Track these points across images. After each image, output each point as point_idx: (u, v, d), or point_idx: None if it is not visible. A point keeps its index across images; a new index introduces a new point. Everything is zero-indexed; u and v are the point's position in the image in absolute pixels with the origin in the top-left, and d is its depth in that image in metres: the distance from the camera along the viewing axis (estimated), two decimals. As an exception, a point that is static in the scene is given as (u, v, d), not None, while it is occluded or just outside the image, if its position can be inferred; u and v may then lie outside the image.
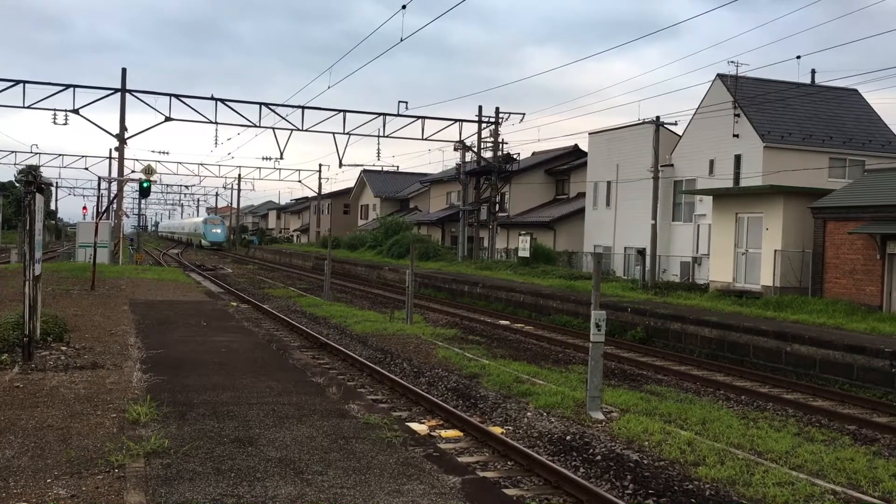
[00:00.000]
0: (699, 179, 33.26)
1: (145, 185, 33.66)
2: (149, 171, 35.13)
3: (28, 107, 34.63)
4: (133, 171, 52.22)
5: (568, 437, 10.06)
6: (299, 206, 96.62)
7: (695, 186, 32.65)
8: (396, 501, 6.35)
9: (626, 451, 9.51)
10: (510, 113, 41.77)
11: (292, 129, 39.05)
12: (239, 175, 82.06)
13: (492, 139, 41.99)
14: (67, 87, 34.85)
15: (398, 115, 38.57)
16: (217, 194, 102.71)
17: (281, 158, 44.85)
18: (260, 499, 6.24)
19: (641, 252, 29.47)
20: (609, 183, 39.36)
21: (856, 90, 35.95)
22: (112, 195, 48.28)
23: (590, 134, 41.91)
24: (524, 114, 41.42)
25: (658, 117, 31.13)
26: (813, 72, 37.26)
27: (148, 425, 8.20)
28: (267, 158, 58.48)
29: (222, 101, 36.82)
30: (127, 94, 36.71)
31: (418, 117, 39.33)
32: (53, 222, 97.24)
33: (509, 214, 47.31)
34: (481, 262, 40.00)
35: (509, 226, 46.26)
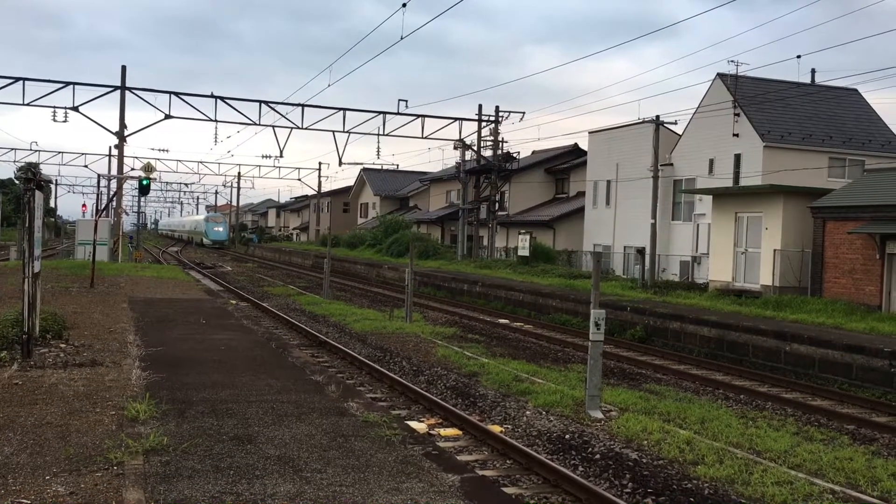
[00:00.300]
0: (699, 179, 33.26)
1: (145, 182, 33.65)
2: (148, 168, 35.13)
3: (28, 104, 34.62)
4: (133, 169, 52.26)
5: (567, 436, 10.06)
6: (299, 205, 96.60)
7: (694, 186, 32.65)
8: (395, 499, 6.35)
9: (625, 449, 9.52)
10: (510, 112, 41.83)
11: (292, 128, 39.09)
12: (238, 173, 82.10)
13: (492, 138, 42.00)
14: (67, 84, 34.83)
15: (398, 113, 38.59)
16: (217, 192, 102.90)
17: (281, 156, 44.88)
18: (259, 496, 6.24)
19: (641, 251, 29.47)
20: (609, 182, 39.36)
21: (856, 90, 35.96)
22: (111, 193, 48.27)
23: (590, 133, 41.92)
24: (524, 112, 41.47)
25: (658, 116, 31.13)
26: (813, 71, 37.31)
27: (147, 423, 8.20)
28: (267, 156, 58.62)
29: (222, 98, 36.82)
30: (127, 92, 36.70)
31: (418, 116, 39.35)
32: (53, 220, 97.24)
33: (509, 213, 47.31)
34: (481, 261, 40.00)
35: (509, 224, 46.26)
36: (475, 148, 42.46)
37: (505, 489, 7.93)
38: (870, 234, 21.15)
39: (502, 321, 24.31)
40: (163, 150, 63.08)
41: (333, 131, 39.94)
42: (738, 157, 31.72)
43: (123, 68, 36.91)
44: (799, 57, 37.36)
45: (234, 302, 25.78)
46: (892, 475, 8.83)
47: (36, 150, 57.63)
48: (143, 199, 49.88)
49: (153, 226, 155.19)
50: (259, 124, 38.12)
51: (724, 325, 18.44)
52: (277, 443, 7.77)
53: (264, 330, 18.84)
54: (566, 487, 8.06)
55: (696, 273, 32.52)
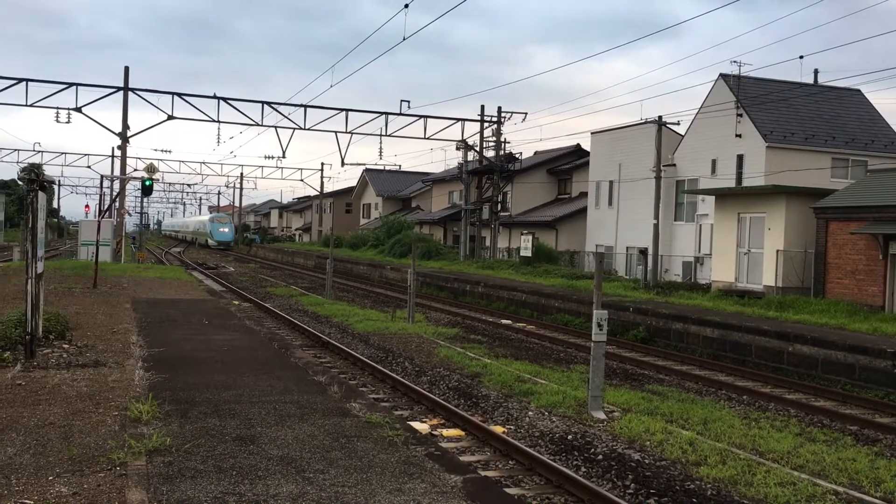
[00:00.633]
0: (701, 179, 33.24)
1: (147, 183, 33.72)
2: (151, 169, 35.19)
3: (31, 105, 34.64)
4: (135, 170, 52.29)
5: (569, 437, 10.06)
6: (301, 205, 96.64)
7: (697, 186, 32.64)
8: (398, 500, 6.35)
9: (627, 450, 9.51)
10: (512, 112, 41.79)
11: (295, 128, 39.08)
12: (241, 174, 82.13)
13: (494, 138, 42.01)
14: (70, 85, 34.87)
15: (400, 114, 38.60)
16: (219, 193, 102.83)
17: (283, 157, 44.60)
18: (261, 497, 6.24)
19: (643, 252, 29.45)
20: (611, 182, 39.35)
21: (858, 90, 35.93)
22: (114, 193, 48.32)
23: (592, 133, 41.92)
24: (526, 113, 41.45)
25: (660, 117, 31.11)
26: (816, 72, 37.28)
27: (150, 423, 8.20)
28: (269, 157, 58.62)
29: (224, 99, 36.84)
30: (129, 93, 36.73)
31: (420, 116, 39.36)
32: (56, 220, 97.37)
33: (511, 214, 47.31)
34: (483, 262, 39.99)
35: (511, 225, 46.25)
36: (477, 148, 42.45)
37: (507, 490, 7.93)
38: (873, 235, 21.12)
39: (505, 322, 24.31)
40: (165, 151, 63.11)
41: (336, 132, 39.97)
42: (740, 158, 31.70)
43: (126, 69, 36.95)
44: (802, 57, 37.33)
45: (236, 302, 25.80)
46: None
47: (39, 151, 57.60)
48: (145, 199, 49.99)
49: (156, 226, 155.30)
50: (261, 125, 38.14)
51: (727, 325, 18.42)
52: (280, 443, 7.77)
53: (267, 330, 18.86)
54: (569, 488, 8.06)
55: (698, 274, 32.50)
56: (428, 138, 40.03)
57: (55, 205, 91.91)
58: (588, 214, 41.46)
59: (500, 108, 41.98)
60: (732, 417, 11.71)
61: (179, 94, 36.43)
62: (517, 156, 43.43)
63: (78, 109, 35.48)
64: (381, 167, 53.58)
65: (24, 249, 12.99)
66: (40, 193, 11.65)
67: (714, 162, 32.96)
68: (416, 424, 10.01)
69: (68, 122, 36.62)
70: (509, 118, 41.87)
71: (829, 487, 8.17)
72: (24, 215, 11.77)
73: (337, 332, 19.72)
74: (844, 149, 32.33)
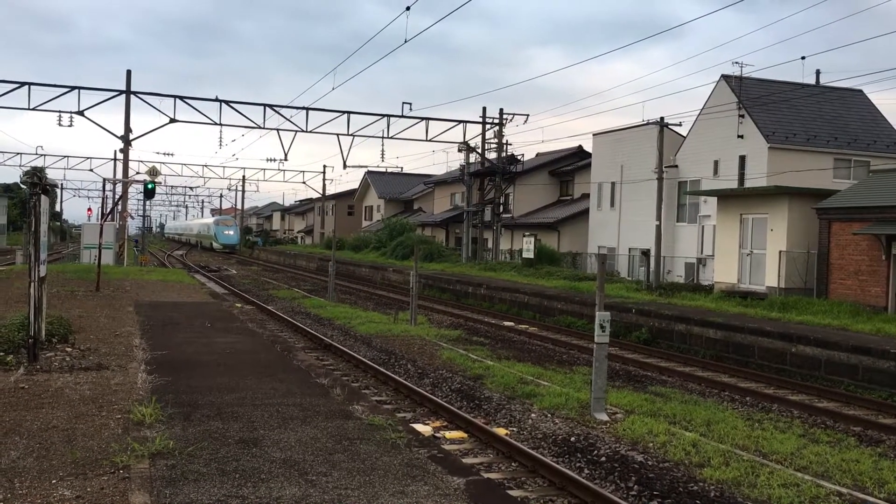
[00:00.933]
0: (703, 180, 33.22)
1: (150, 186, 33.72)
2: (153, 172, 35.18)
3: (33, 109, 34.73)
4: (138, 173, 52.32)
5: (572, 439, 10.05)
6: (303, 208, 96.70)
7: (699, 187, 32.61)
8: (401, 502, 6.35)
9: (630, 452, 9.50)
10: (514, 114, 41.78)
11: (297, 131, 39.12)
12: (243, 176, 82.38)
13: (496, 140, 42.00)
14: (72, 88, 34.93)
15: (402, 116, 38.59)
16: (221, 196, 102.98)
17: (285, 160, 44.58)
18: (264, 500, 6.24)
19: (646, 253, 29.45)
20: (613, 184, 39.34)
21: (861, 91, 35.90)
22: (117, 197, 48.36)
23: (594, 135, 41.92)
24: (528, 115, 41.44)
25: (662, 118, 31.11)
26: (818, 72, 37.28)
27: (153, 426, 8.21)
28: (271, 160, 58.58)
29: (226, 102, 36.88)
30: (131, 96, 36.79)
31: (422, 118, 39.36)
32: (58, 224, 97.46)
33: (513, 216, 47.31)
34: (485, 264, 39.99)
35: (513, 227, 46.25)
36: (479, 150, 42.46)
37: (510, 492, 7.92)
38: (875, 235, 21.10)
39: (507, 324, 24.30)
40: (168, 154, 63.48)
41: (338, 134, 39.99)
42: (742, 159, 31.68)
43: (128, 73, 37.00)
44: (804, 58, 37.18)
45: (239, 305, 25.82)
46: (899, 477, 8.80)
47: (41, 155, 57.80)
48: (148, 202, 50.04)
49: (158, 229, 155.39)
50: (264, 128, 38.19)
51: (730, 326, 18.40)
52: (283, 446, 7.77)
53: (269, 333, 18.87)
54: (572, 490, 8.05)
55: (701, 275, 32.47)
56: (430, 140, 40.06)
57: (58, 208, 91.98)
58: (590, 216, 41.44)
59: (501, 109, 41.98)
60: (736, 419, 11.69)
61: (181, 97, 36.49)
62: (519, 157, 43.42)
63: (80, 113, 35.53)
64: (383, 169, 53.58)
65: (27, 253, 13.02)
66: (43, 197, 11.67)
67: (716, 163, 32.95)
68: (418, 427, 10.01)
69: (70, 125, 36.66)
70: (511, 120, 41.89)
71: (832, 489, 8.15)
72: (27, 219, 11.80)
73: (339, 334, 19.72)
74: (847, 149, 32.30)
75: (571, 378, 14.35)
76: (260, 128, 38.02)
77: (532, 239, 37.36)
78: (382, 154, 42.37)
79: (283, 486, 6.59)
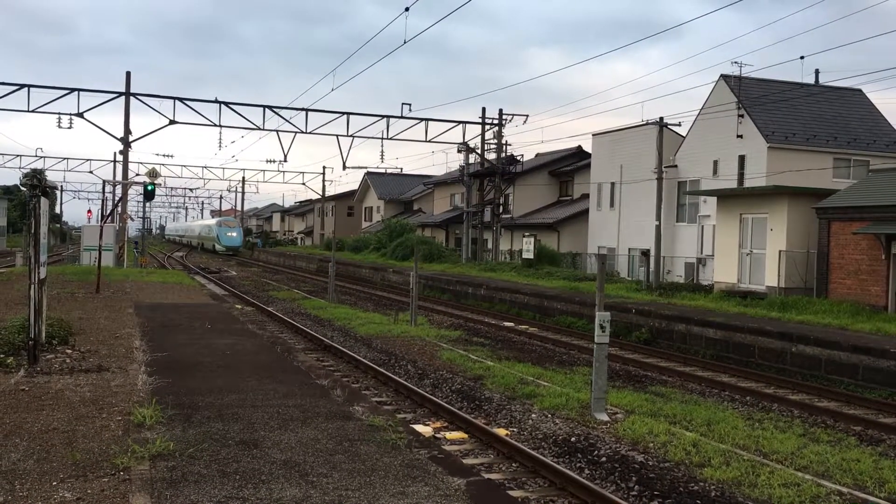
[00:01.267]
0: (703, 180, 33.23)
1: (150, 188, 33.73)
2: (153, 174, 35.20)
3: (33, 111, 34.76)
4: (137, 175, 52.33)
5: (573, 439, 10.05)
6: (303, 209, 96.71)
7: (699, 187, 32.62)
8: (401, 503, 6.35)
9: (631, 452, 9.50)
10: (513, 114, 41.80)
11: (296, 132, 39.13)
12: (243, 178, 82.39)
13: (495, 141, 42.01)
14: (72, 90, 34.93)
15: (402, 117, 38.61)
16: (221, 197, 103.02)
17: (285, 161, 44.61)
18: (265, 501, 6.24)
19: (646, 253, 29.45)
20: (613, 184, 39.35)
21: (860, 90, 35.91)
22: (116, 198, 48.37)
23: (593, 135, 41.93)
24: (527, 115, 41.46)
25: (661, 118, 31.13)
26: (817, 72, 37.26)
27: (153, 428, 8.21)
28: (271, 161, 58.60)
29: (226, 104, 36.89)
30: (131, 98, 36.79)
31: (422, 119, 39.37)
32: (58, 226, 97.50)
33: (513, 216, 47.32)
34: (485, 264, 40.00)
35: (513, 227, 46.26)
36: (479, 151, 42.48)
37: (511, 492, 7.92)
38: (875, 235, 21.11)
39: (507, 324, 24.30)
40: (167, 156, 63.56)
41: (337, 135, 39.99)
42: (742, 159, 31.68)
43: (128, 74, 37.00)
44: (802, 58, 37.28)
45: (239, 306, 25.82)
46: (900, 476, 8.80)
47: (41, 157, 57.91)
48: (147, 204, 50.03)
49: (158, 231, 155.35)
50: (263, 129, 38.19)
51: (730, 326, 18.41)
52: (283, 447, 7.78)
53: (269, 334, 18.87)
54: (572, 490, 8.06)
55: (701, 274, 32.47)
56: (429, 141, 40.07)
57: (57, 210, 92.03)
58: (590, 216, 41.45)
59: (501, 110, 41.99)
60: (736, 418, 11.69)
61: (181, 99, 36.49)
62: (519, 158, 43.43)
63: (80, 115, 35.53)
64: (383, 170, 53.60)
65: (27, 255, 13.02)
66: (42, 199, 11.68)
67: (716, 163, 32.95)
68: (419, 427, 10.01)
69: (70, 127, 36.66)
70: (510, 120, 41.90)
71: (833, 488, 8.16)
72: (27, 221, 11.80)
73: (339, 335, 19.72)
74: (846, 149, 32.31)
75: (572, 378, 14.35)
76: (259, 129, 38.04)
77: (532, 239, 37.37)
78: (382, 155, 42.28)
79: (283, 487, 6.59)
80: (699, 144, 34.04)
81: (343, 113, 38.61)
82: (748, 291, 24.60)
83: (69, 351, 12.87)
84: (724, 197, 27.18)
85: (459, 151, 43.37)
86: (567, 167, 48.76)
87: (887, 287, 20.83)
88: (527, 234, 39.47)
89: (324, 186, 64.47)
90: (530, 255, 36.39)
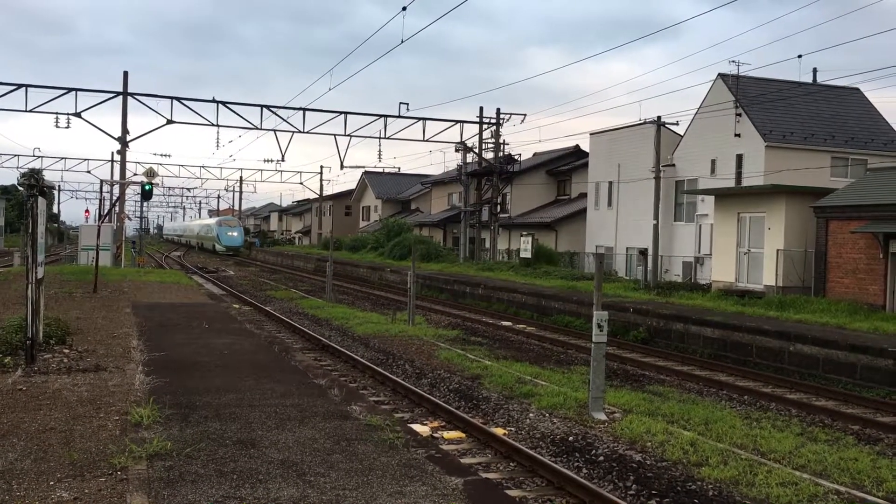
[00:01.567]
0: (701, 179, 33.24)
1: (147, 187, 33.72)
2: (151, 174, 35.19)
3: (30, 110, 34.66)
4: (135, 174, 52.32)
5: (570, 438, 10.05)
6: (301, 208, 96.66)
7: (696, 186, 32.63)
8: (399, 503, 6.35)
9: (628, 451, 9.50)
10: (511, 114, 41.77)
11: (294, 131, 39.08)
12: (241, 177, 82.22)
13: (493, 140, 42.00)
14: (69, 90, 34.87)
15: (399, 116, 38.57)
16: (219, 197, 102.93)
17: (282, 160, 44.63)
18: (262, 500, 6.24)
19: (643, 252, 29.46)
20: (610, 183, 39.35)
21: (858, 89, 35.93)
22: (114, 198, 48.35)
23: (591, 134, 41.93)
24: (525, 115, 41.44)
25: (659, 117, 31.15)
26: (814, 71, 37.30)
27: (150, 427, 8.20)
28: (268, 160, 58.50)
29: (223, 103, 36.83)
30: (129, 98, 36.74)
31: (419, 118, 39.34)
32: (56, 225, 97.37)
33: (511, 215, 47.33)
34: (483, 264, 40.00)
35: (511, 227, 46.27)
36: (476, 150, 42.47)
37: (508, 492, 7.92)
38: (873, 234, 21.12)
39: (505, 323, 24.30)
40: (165, 155, 63.50)
41: (335, 135, 39.93)
42: (740, 158, 31.70)
43: (125, 74, 36.96)
44: (800, 56, 37.44)
45: (236, 306, 25.80)
46: (897, 475, 8.80)
47: (39, 157, 57.80)
48: (145, 204, 49.98)
49: (156, 231, 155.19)
50: (261, 128, 38.14)
51: (728, 325, 18.42)
52: (281, 447, 7.77)
53: (267, 334, 18.86)
54: (570, 490, 8.05)
55: (698, 274, 32.49)
56: (427, 140, 40.03)
57: (55, 210, 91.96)
58: (588, 215, 41.46)
59: (498, 109, 41.97)
60: (734, 418, 11.70)
61: (178, 99, 36.44)
62: (516, 157, 43.43)
63: (77, 114, 35.48)
64: (381, 170, 53.56)
65: (25, 254, 13.00)
66: (40, 199, 11.65)
67: (713, 162, 32.96)
68: (416, 427, 10.01)
69: (68, 127, 36.62)
70: (508, 120, 41.89)
71: (830, 487, 8.16)
72: (24, 220, 11.78)
73: (337, 334, 19.71)
74: (844, 148, 32.33)
75: (569, 377, 14.35)
76: (257, 129, 37.99)
77: (529, 238, 37.37)
78: (380, 154, 42.22)
79: (280, 486, 6.59)
80: (697, 143, 34.05)
81: (340, 112, 38.57)
82: (746, 290, 24.61)
83: (66, 351, 12.86)
84: (721, 196, 27.19)
85: (457, 151, 43.35)
86: (565, 166, 48.77)
87: (885, 286, 20.84)
88: (524, 233, 39.47)
89: (321, 186, 64.43)
90: (528, 255, 36.39)
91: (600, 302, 11.40)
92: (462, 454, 9.32)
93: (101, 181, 63.62)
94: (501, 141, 42.08)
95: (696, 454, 9.20)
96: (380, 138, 39.70)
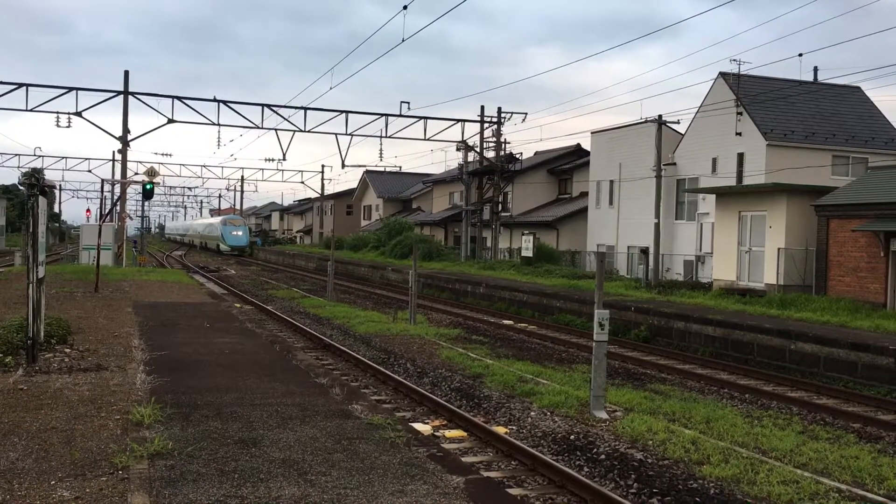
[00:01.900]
0: (702, 178, 33.23)
1: (148, 187, 33.72)
2: (152, 173, 35.18)
3: (31, 110, 34.70)
4: (136, 174, 52.31)
5: (572, 437, 10.05)
6: (302, 207, 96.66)
7: (698, 185, 32.62)
8: (400, 502, 6.35)
9: (630, 450, 9.50)
10: (512, 113, 41.78)
11: (295, 131, 39.09)
12: (242, 176, 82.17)
13: (494, 139, 42.00)
14: (70, 90, 34.89)
15: (400, 115, 38.57)
16: (220, 196, 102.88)
17: (284, 159, 44.63)
18: (263, 500, 6.24)
19: (645, 251, 29.45)
20: (612, 182, 39.34)
21: (858, 87, 35.90)
22: (115, 197, 48.37)
23: (592, 133, 41.91)
24: (526, 114, 41.44)
25: (660, 116, 31.10)
26: (815, 69, 37.26)
27: (152, 427, 8.21)
28: (270, 160, 58.57)
29: (224, 102, 36.85)
30: (130, 97, 36.75)
31: (420, 117, 39.34)
32: (57, 225, 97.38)
33: (512, 214, 47.32)
34: (484, 262, 39.99)
35: (512, 226, 46.25)
36: (478, 149, 42.47)
37: (510, 490, 7.92)
38: (874, 232, 21.11)
39: (506, 322, 24.30)
40: (166, 155, 63.27)
41: (336, 134, 39.96)
42: (741, 156, 31.67)
43: (126, 73, 36.97)
44: (801, 55, 37.34)
45: (238, 305, 25.80)
46: (899, 473, 8.80)
47: (39, 156, 57.70)
48: (146, 203, 49.99)
49: (158, 230, 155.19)
50: (262, 128, 38.15)
51: (729, 324, 18.41)
52: (282, 446, 7.77)
53: (268, 333, 18.86)
54: (571, 488, 8.05)
55: (700, 272, 32.48)
56: (428, 139, 40.03)
57: (56, 209, 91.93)
58: (589, 214, 41.45)
59: (499, 108, 42.04)
60: (735, 416, 11.70)
61: (179, 98, 36.45)
62: (517, 156, 43.41)
63: (78, 114, 35.49)
64: (382, 169, 53.53)
65: (26, 254, 13.00)
66: (41, 198, 11.66)
67: (714, 160, 32.94)
68: (418, 426, 10.01)
69: (69, 126, 36.60)
70: (509, 119, 41.89)
71: (832, 485, 8.16)
72: (25, 220, 11.78)
73: (339, 333, 19.71)
74: (845, 146, 32.30)
75: (571, 376, 14.35)
76: (258, 128, 38.00)
77: (531, 237, 37.36)
78: (381, 153, 42.27)
79: (282, 485, 6.59)
80: (698, 142, 34.03)
81: (342, 111, 38.59)
82: (747, 289, 24.60)
83: (68, 350, 12.87)
84: (722, 194, 27.17)
85: (458, 150, 43.35)
86: (566, 165, 48.75)
87: (886, 284, 20.83)
88: (526, 232, 39.46)
89: (322, 185, 64.35)
90: (529, 254, 36.39)
91: (602, 301, 11.40)
92: (463, 453, 9.32)
93: (103, 180, 63.68)
94: (503, 140, 42.09)
95: (697, 453, 9.20)
96: (381, 137, 39.74)
